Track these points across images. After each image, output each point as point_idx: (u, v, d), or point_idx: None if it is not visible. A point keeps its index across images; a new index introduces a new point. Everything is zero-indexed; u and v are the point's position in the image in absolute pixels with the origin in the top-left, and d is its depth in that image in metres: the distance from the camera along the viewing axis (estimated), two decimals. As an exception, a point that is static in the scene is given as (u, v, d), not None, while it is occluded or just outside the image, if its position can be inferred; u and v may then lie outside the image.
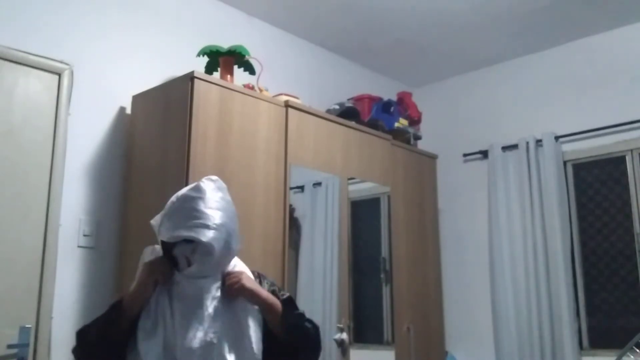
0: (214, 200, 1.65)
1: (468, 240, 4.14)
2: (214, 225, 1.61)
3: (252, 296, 1.68)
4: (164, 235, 1.63)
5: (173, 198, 1.69)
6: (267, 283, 1.80)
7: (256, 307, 1.70)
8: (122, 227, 2.80)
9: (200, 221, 1.60)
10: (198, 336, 1.57)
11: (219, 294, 1.64)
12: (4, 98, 2.53)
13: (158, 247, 1.73)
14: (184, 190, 1.70)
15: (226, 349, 1.60)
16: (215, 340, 1.58)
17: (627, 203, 3.63)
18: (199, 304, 1.61)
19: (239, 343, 1.63)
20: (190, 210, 1.62)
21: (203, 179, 1.71)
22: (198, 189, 1.67)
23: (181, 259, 1.63)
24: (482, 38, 3.90)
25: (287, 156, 2.97)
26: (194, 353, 1.55)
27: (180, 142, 2.58)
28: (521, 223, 3.83)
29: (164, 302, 1.63)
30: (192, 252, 1.61)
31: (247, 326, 1.66)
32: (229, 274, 1.69)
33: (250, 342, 1.64)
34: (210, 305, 1.61)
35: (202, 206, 1.63)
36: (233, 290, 1.66)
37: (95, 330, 1.64)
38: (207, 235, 1.58)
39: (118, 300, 1.66)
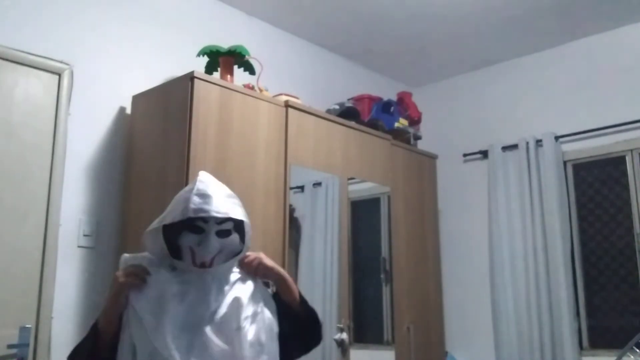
0: (224, 190, 1.65)
1: (468, 240, 4.14)
2: (229, 205, 1.60)
3: (272, 272, 1.69)
4: (173, 217, 1.58)
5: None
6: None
7: (269, 293, 1.70)
8: (122, 227, 2.80)
9: (214, 200, 1.59)
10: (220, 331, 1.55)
11: (233, 280, 1.63)
12: (4, 98, 2.53)
13: (136, 255, 1.69)
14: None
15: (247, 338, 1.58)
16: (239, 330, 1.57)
17: (627, 203, 3.63)
18: (208, 299, 1.58)
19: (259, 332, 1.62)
20: (200, 192, 1.61)
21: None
22: (201, 179, 1.66)
23: (185, 251, 1.59)
24: (482, 38, 3.90)
25: (287, 156, 2.97)
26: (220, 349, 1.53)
27: (180, 142, 2.58)
28: (521, 223, 3.83)
29: (164, 298, 1.57)
30: (197, 244, 1.58)
31: (263, 313, 1.65)
32: (245, 256, 1.69)
33: (269, 328, 1.63)
34: (224, 301, 1.58)
35: (213, 191, 1.62)
36: (252, 267, 1.67)
37: (81, 357, 1.61)
38: (220, 211, 1.57)
39: (95, 322, 1.61)
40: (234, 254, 1.64)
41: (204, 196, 1.59)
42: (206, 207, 1.57)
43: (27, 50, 2.60)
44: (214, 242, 1.58)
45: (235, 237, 1.63)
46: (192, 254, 1.58)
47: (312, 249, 3.10)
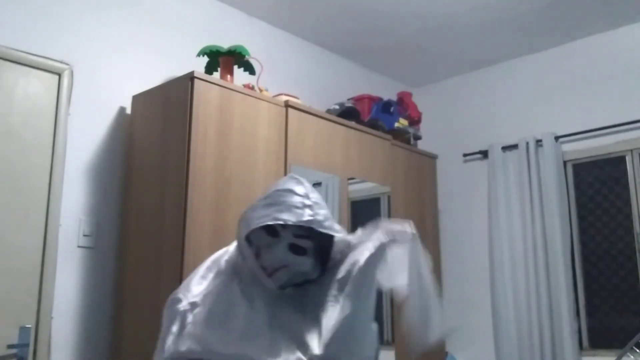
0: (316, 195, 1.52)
1: (468, 240, 4.14)
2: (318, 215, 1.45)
3: None
4: (258, 221, 1.41)
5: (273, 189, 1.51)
6: None
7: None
8: (122, 227, 2.80)
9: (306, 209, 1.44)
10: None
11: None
12: (4, 98, 2.53)
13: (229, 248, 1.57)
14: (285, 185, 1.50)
15: None
16: None
17: (627, 203, 3.63)
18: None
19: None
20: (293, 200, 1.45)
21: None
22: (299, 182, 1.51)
23: (252, 248, 1.46)
24: (481, 38, 3.90)
25: (287, 156, 2.97)
26: None
27: (180, 142, 2.58)
28: (521, 223, 3.83)
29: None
30: (266, 246, 1.45)
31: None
32: None
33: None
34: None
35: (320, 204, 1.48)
36: None
37: None
38: (302, 219, 1.41)
39: None
40: (304, 278, 1.49)
41: (313, 207, 1.46)
42: (318, 217, 1.43)
43: (27, 50, 2.60)
44: (282, 253, 1.45)
45: (309, 260, 1.47)
46: (256, 253, 1.46)
47: (312, 249, 3.09)
